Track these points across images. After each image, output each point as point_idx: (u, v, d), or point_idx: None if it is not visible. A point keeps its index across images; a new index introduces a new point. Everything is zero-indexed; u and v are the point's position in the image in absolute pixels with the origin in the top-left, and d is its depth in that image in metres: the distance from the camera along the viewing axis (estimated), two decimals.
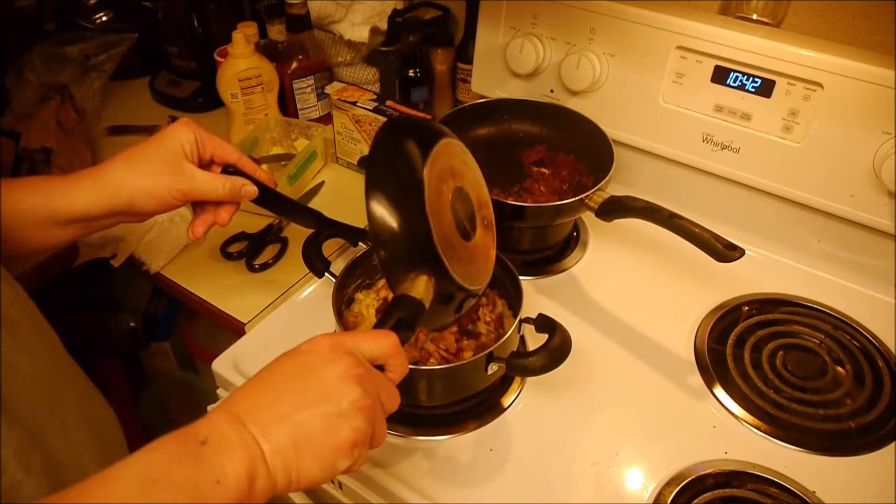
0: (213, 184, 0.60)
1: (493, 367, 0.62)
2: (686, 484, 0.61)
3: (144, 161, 0.58)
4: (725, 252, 0.65)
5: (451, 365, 0.62)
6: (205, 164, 0.62)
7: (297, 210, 0.73)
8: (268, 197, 0.66)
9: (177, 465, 0.35)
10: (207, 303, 0.79)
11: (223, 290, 0.80)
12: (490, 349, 0.61)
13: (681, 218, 0.68)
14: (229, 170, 0.63)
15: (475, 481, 0.62)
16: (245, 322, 0.77)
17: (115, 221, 0.60)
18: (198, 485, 0.35)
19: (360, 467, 0.42)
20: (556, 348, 0.59)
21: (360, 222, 0.90)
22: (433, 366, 0.64)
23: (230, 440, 0.37)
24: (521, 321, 0.65)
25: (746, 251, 0.67)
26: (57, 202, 0.56)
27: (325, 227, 0.73)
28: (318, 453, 0.39)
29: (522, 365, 0.60)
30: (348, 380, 0.40)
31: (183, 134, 0.58)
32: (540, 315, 0.64)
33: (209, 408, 0.67)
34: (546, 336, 0.61)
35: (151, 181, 0.57)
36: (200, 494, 0.34)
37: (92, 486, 0.33)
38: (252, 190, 0.62)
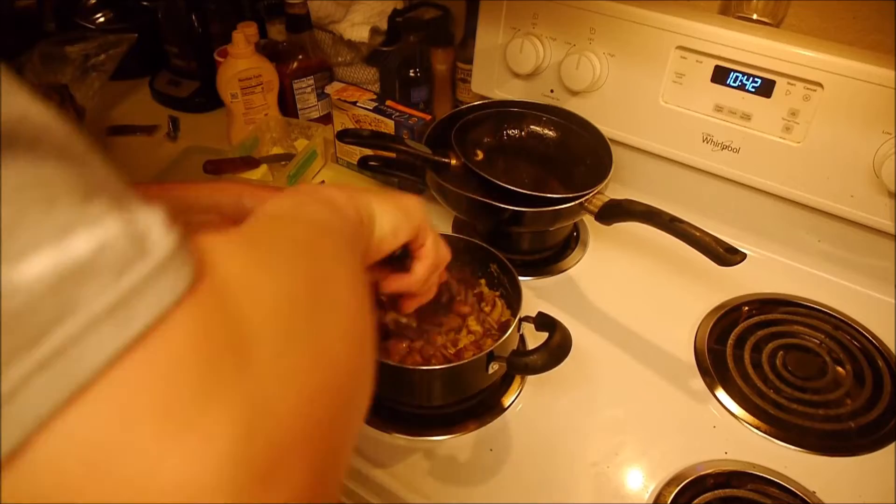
0: None
1: (493, 367, 0.62)
2: (686, 484, 0.61)
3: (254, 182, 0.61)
4: (727, 256, 0.65)
5: (452, 365, 0.62)
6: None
7: None
8: None
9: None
10: None
11: None
12: (490, 349, 0.61)
13: (682, 222, 0.68)
14: None
15: (475, 481, 0.62)
16: None
17: (214, 221, 0.61)
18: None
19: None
20: (557, 346, 0.59)
21: None
22: (434, 366, 0.64)
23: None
24: (520, 320, 0.65)
25: (746, 251, 0.67)
26: (165, 195, 0.59)
27: None
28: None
29: (523, 364, 0.60)
30: None
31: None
32: (539, 313, 0.64)
33: None
34: (546, 334, 0.61)
35: (259, 188, 0.60)
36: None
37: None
38: None
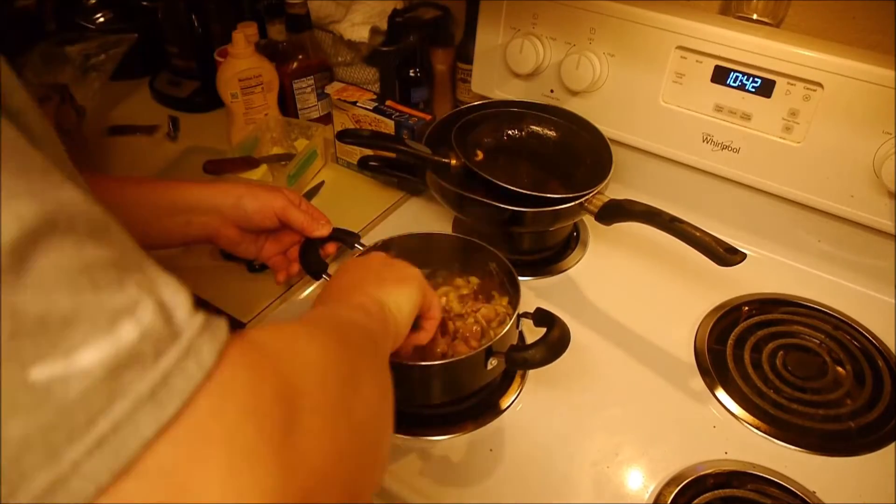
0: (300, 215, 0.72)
1: (492, 362, 0.62)
2: (686, 484, 0.61)
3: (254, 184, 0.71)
4: (727, 256, 0.65)
5: (450, 360, 0.62)
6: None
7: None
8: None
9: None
10: (207, 303, 0.79)
11: (223, 290, 0.80)
12: (489, 344, 0.61)
13: (682, 222, 0.68)
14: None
15: (474, 481, 0.62)
16: (245, 322, 0.77)
17: (215, 221, 0.69)
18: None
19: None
20: (556, 340, 0.59)
21: (360, 223, 0.91)
22: (431, 362, 0.63)
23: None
24: (518, 316, 0.66)
25: (746, 251, 0.67)
26: (168, 193, 0.68)
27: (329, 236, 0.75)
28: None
29: (522, 358, 0.61)
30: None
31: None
32: (538, 309, 0.65)
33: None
34: (544, 330, 0.61)
35: (259, 190, 0.71)
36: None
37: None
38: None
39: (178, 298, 0.25)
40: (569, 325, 0.62)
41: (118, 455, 0.21)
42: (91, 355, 0.21)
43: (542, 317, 0.63)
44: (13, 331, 0.20)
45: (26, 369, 0.20)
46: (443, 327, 0.68)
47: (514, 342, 0.66)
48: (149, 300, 0.23)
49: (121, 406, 0.21)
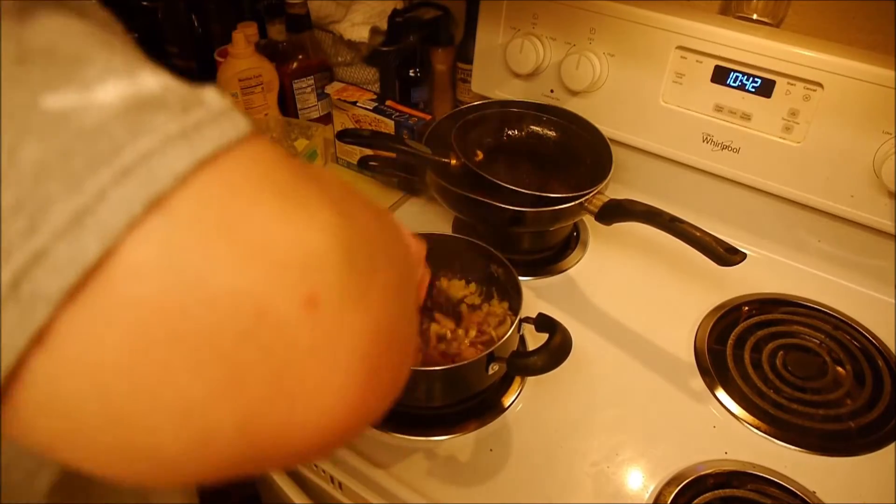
0: None
1: (493, 368, 0.62)
2: (686, 484, 0.61)
3: None
4: (727, 256, 0.65)
5: (452, 366, 0.62)
6: None
7: None
8: None
9: None
10: None
11: None
12: (491, 349, 0.61)
13: (682, 222, 0.68)
14: None
15: (475, 481, 0.62)
16: None
17: None
18: None
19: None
20: (557, 347, 0.59)
21: None
22: (433, 367, 0.63)
23: None
24: (520, 321, 0.66)
25: (746, 251, 0.67)
26: None
27: None
28: None
29: (524, 364, 0.61)
30: None
31: None
32: (540, 314, 0.65)
33: None
34: (546, 335, 0.61)
35: None
36: None
37: None
38: None
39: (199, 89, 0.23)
40: (569, 325, 0.62)
41: (149, 185, 0.19)
42: (109, 91, 0.20)
43: (544, 322, 0.63)
44: (19, 56, 0.19)
45: (37, 95, 0.19)
46: (456, 318, 0.69)
47: (516, 347, 0.66)
48: (168, 77, 0.22)
49: (148, 139, 0.19)
